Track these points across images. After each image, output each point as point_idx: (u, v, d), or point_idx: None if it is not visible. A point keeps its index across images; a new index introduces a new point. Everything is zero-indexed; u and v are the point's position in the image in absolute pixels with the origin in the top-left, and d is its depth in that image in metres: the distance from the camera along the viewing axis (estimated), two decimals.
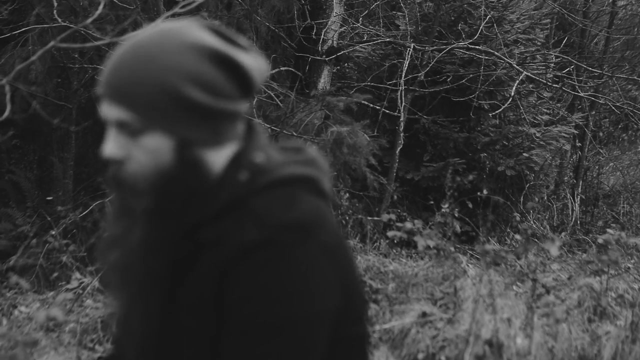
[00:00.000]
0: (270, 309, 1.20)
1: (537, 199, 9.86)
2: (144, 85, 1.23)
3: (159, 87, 1.23)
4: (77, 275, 5.59)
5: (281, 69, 8.35)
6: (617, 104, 9.55)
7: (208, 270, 1.24)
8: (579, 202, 10.36)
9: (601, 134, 13.66)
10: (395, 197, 8.54)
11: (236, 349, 1.22)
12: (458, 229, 6.70)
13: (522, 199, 9.27)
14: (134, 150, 1.28)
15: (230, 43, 1.30)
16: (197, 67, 1.24)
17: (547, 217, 9.88)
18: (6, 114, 2.78)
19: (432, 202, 7.77)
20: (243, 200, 1.27)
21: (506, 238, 8.57)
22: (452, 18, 9.19)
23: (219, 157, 1.31)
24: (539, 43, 9.85)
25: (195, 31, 1.28)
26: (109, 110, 1.28)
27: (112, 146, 1.30)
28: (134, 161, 1.29)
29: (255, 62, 1.30)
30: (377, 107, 8.15)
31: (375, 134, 8.08)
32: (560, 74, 9.53)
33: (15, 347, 3.71)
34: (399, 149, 8.18)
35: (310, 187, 1.34)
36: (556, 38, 11.88)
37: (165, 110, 1.24)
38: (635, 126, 13.29)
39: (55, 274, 5.93)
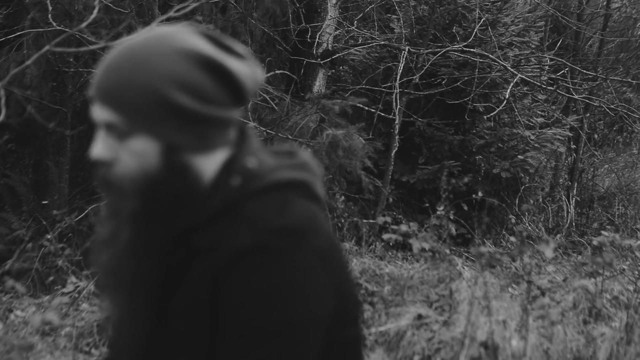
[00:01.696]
0: (264, 314, 1.20)
1: (532, 201, 9.88)
2: (131, 88, 1.24)
3: (145, 90, 1.23)
4: (73, 279, 5.59)
5: (276, 72, 8.36)
6: (612, 106, 9.58)
7: (202, 276, 1.24)
8: (574, 204, 10.38)
9: (596, 136, 13.68)
10: (391, 199, 8.55)
11: (231, 355, 1.22)
12: (453, 231, 6.71)
13: (517, 201, 9.29)
14: (121, 152, 1.29)
15: (223, 50, 1.30)
16: (185, 73, 1.24)
17: (542, 219, 9.89)
18: (1, 118, 2.79)
19: (427, 205, 7.80)
20: (236, 205, 1.27)
21: (501, 240, 8.59)
22: (447, 21, 9.21)
23: (209, 163, 1.31)
24: (533, 46, 9.87)
25: (187, 37, 1.28)
26: (98, 112, 1.29)
27: (100, 148, 1.31)
28: (121, 163, 1.29)
29: (247, 70, 1.30)
30: (372, 110, 8.16)
31: (371, 136, 8.09)
32: (554, 76, 9.55)
33: (11, 351, 3.70)
34: (394, 151, 8.19)
35: (303, 191, 1.34)
36: (550, 40, 11.91)
37: (151, 114, 1.24)
38: (630, 128, 13.32)
39: (51, 278, 5.93)
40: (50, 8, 4.59)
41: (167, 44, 1.26)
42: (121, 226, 1.33)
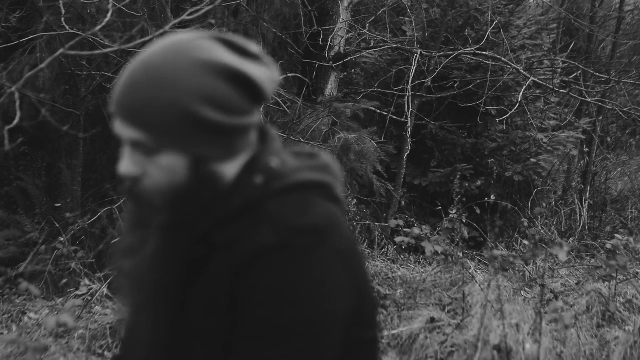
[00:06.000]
0: (284, 313, 1.21)
1: (545, 205, 9.85)
2: (158, 108, 1.23)
3: (173, 109, 1.23)
4: (86, 281, 5.61)
5: (288, 75, 8.37)
6: (625, 109, 9.53)
7: (222, 272, 1.25)
8: (587, 208, 10.33)
9: (609, 139, 13.64)
10: (403, 202, 8.55)
11: (249, 352, 1.23)
12: (466, 234, 6.71)
13: (530, 205, 9.25)
14: (150, 167, 1.29)
15: (241, 54, 1.29)
16: (211, 87, 1.24)
17: (555, 223, 9.85)
18: (16, 121, 2.80)
19: (440, 208, 7.77)
20: (258, 203, 1.28)
21: (514, 243, 8.55)
22: (459, 24, 9.20)
23: (232, 168, 1.32)
24: (545, 48, 9.84)
25: (206, 46, 1.27)
26: (122, 130, 1.29)
27: (127, 164, 1.31)
28: (149, 178, 1.30)
29: (267, 72, 1.30)
30: (385, 113, 8.15)
31: (383, 140, 8.08)
32: (567, 79, 9.52)
33: (25, 354, 3.72)
34: (406, 154, 8.18)
35: (325, 192, 1.36)
36: (563, 43, 11.87)
37: (180, 131, 1.25)
38: None
39: (64, 281, 5.94)
40: (63, 11, 4.60)
41: (186, 57, 1.25)
42: (148, 237, 1.35)
